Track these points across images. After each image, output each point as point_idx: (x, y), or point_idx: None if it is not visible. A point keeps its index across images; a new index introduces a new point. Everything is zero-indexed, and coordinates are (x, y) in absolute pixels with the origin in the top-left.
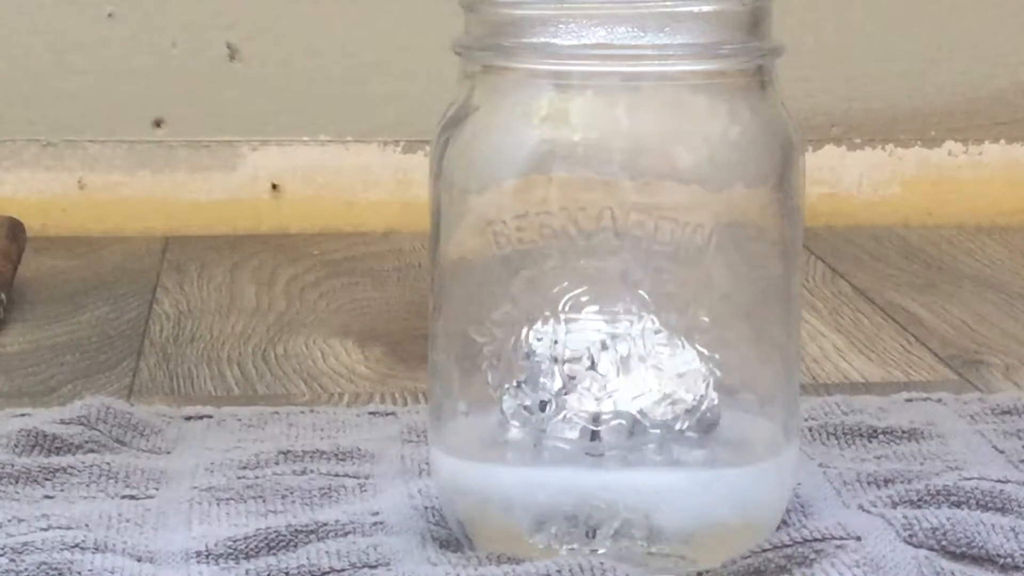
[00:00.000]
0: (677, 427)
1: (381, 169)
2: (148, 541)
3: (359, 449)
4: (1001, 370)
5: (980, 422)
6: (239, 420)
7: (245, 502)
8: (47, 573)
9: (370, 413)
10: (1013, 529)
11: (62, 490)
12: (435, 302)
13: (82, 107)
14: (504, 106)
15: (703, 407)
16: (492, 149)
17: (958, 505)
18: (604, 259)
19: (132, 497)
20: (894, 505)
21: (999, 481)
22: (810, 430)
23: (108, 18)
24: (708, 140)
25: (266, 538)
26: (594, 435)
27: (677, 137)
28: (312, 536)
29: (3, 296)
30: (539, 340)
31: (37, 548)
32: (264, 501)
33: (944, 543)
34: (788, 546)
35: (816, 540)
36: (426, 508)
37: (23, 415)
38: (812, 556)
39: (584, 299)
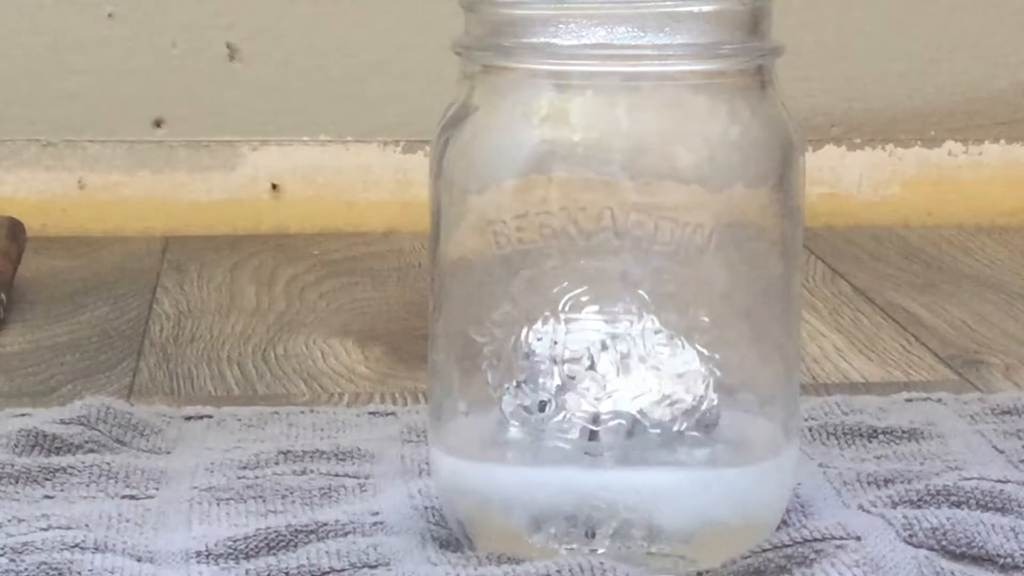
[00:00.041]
0: (677, 427)
1: (381, 169)
2: (148, 541)
3: (359, 449)
4: (1001, 370)
5: (980, 422)
6: (239, 420)
7: (245, 502)
8: (47, 573)
9: (370, 413)
10: (1013, 529)
11: (62, 490)
12: (435, 302)
13: (82, 107)
14: (504, 106)
15: (703, 407)
16: (492, 149)
17: (958, 505)
18: (604, 259)
19: (132, 497)
20: (894, 505)
21: (999, 481)
22: (810, 430)
23: (108, 18)
24: (708, 140)
25: (266, 538)
26: (593, 435)
27: (677, 137)
28: (312, 536)
29: (3, 296)
30: (539, 340)
31: (37, 548)
32: (264, 501)
33: (944, 543)
34: (788, 546)
35: (816, 540)
36: (426, 508)
37: (23, 415)
38: (812, 556)
39: (584, 299)
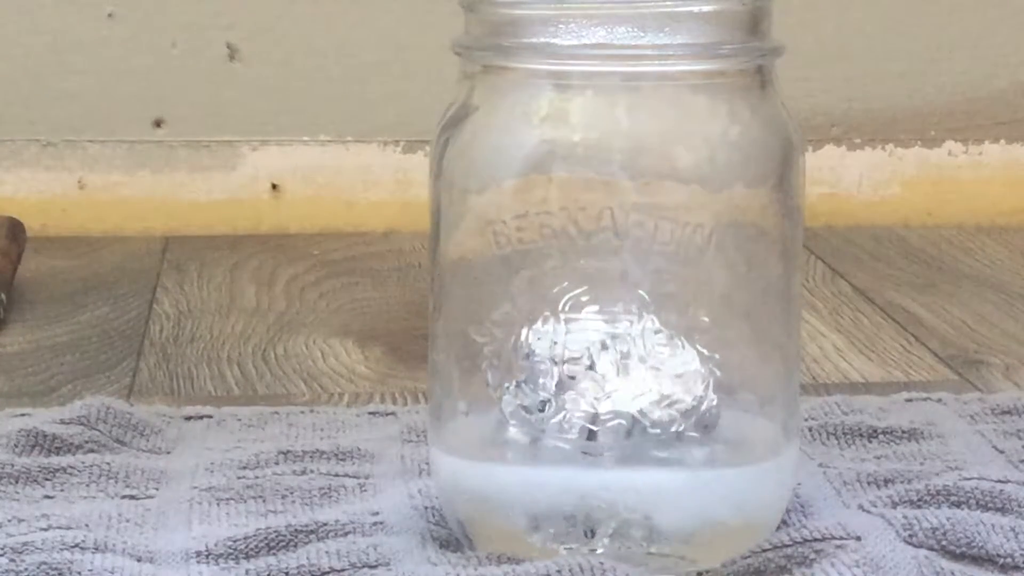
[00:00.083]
0: (677, 427)
1: (381, 169)
2: (148, 541)
3: (359, 449)
4: (1001, 370)
5: (980, 422)
6: (239, 420)
7: (245, 502)
8: (47, 573)
9: (370, 413)
10: (1013, 529)
11: (62, 490)
12: (435, 302)
13: (82, 107)
14: (504, 106)
15: (703, 407)
16: (492, 149)
17: (958, 505)
18: (604, 259)
19: (132, 497)
20: (894, 505)
21: (999, 481)
22: (810, 430)
23: (108, 18)
24: (708, 140)
25: (266, 538)
26: (592, 435)
27: (677, 137)
28: (312, 536)
29: (3, 296)
30: (539, 340)
31: (37, 548)
32: (264, 501)
33: (944, 543)
34: (788, 546)
35: (816, 540)
36: (426, 508)
37: (23, 415)
38: (812, 556)
39: (584, 299)
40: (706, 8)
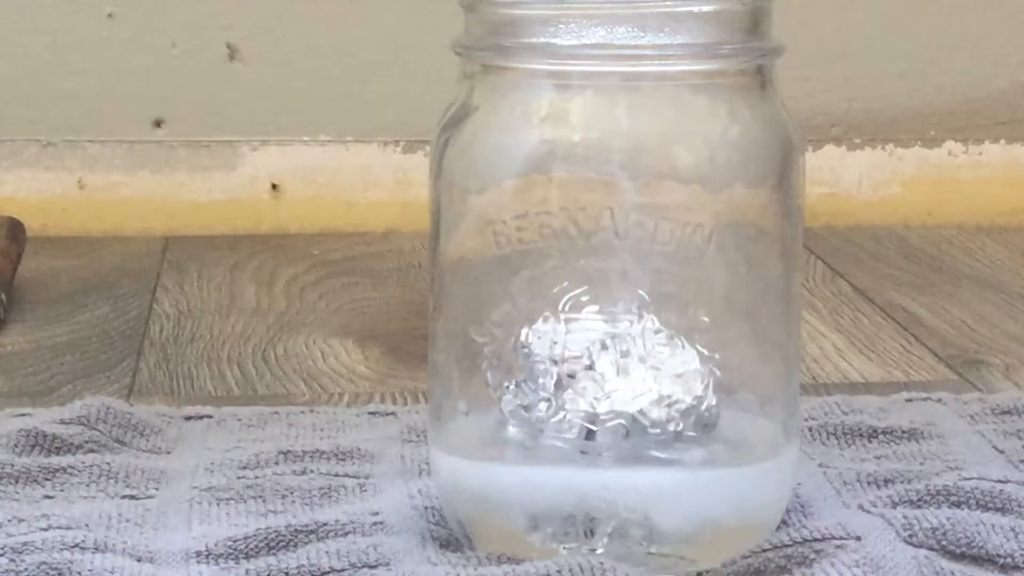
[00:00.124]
0: (676, 427)
1: (381, 169)
2: (148, 541)
3: (359, 449)
4: (1001, 370)
5: (980, 422)
6: (239, 420)
7: (245, 502)
8: (47, 573)
9: (370, 413)
10: (1013, 529)
11: (62, 490)
12: (435, 302)
13: (82, 107)
14: (504, 106)
15: (702, 407)
16: (492, 149)
17: (958, 505)
18: (604, 259)
19: (132, 497)
20: (894, 505)
21: (999, 481)
22: (810, 430)
23: (108, 18)
24: (708, 140)
25: (266, 538)
26: (591, 435)
27: (677, 137)
28: (312, 536)
29: (3, 296)
30: (539, 340)
31: (37, 548)
32: (264, 501)
33: (944, 543)
34: (788, 546)
35: (816, 540)
36: (426, 508)
37: (23, 415)
38: (812, 556)
39: (584, 299)
40: (706, 8)
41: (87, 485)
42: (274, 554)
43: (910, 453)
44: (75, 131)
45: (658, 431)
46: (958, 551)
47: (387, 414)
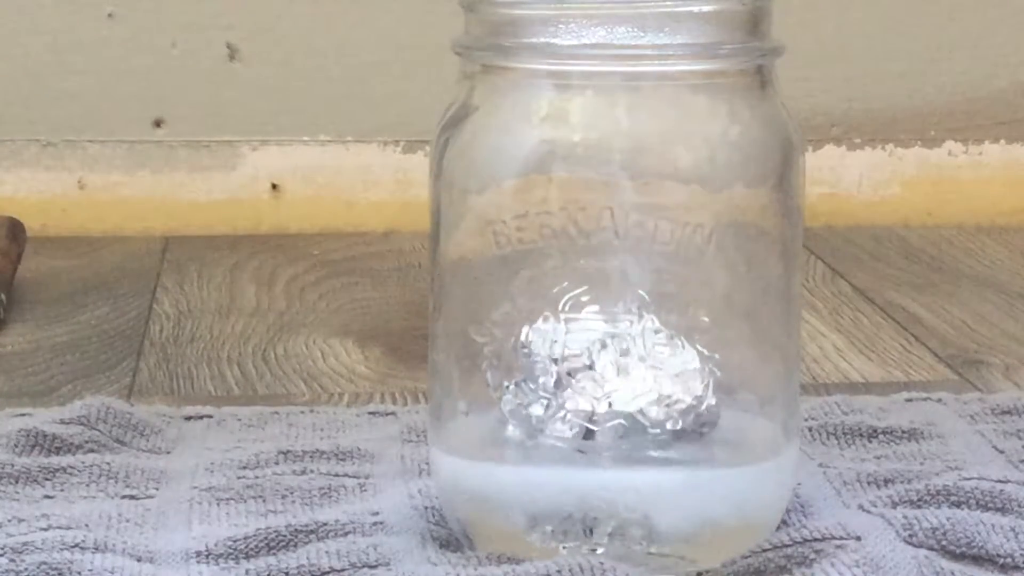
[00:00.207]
0: (676, 427)
1: (381, 169)
2: (148, 541)
3: (359, 449)
4: (1001, 370)
5: (980, 422)
6: (239, 420)
7: (245, 502)
8: (47, 573)
9: (370, 413)
10: (1013, 529)
11: (62, 490)
12: (435, 302)
13: (82, 107)
14: (504, 106)
15: (702, 407)
16: (492, 149)
17: (958, 505)
18: (604, 259)
19: (132, 497)
20: (894, 505)
21: (999, 481)
22: (810, 430)
23: (108, 18)
24: (708, 140)
25: (266, 538)
26: (592, 435)
27: (677, 137)
28: (312, 536)
29: (3, 296)
30: (539, 340)
31: (37, 548)
32: (264, 501)
33: (944, 543)
34: (788, 546)
35: (816, 540)
36: (426, 508)
37: (23, 415)
38: (812, 556)
39: (584, 299)
40: (706, 8)
41: (87, 485)
42: (274, 554)
43: (910, 453)
44: (75, 131)
45: (658, 431)
46: (958, 551)
47: (387, 414)
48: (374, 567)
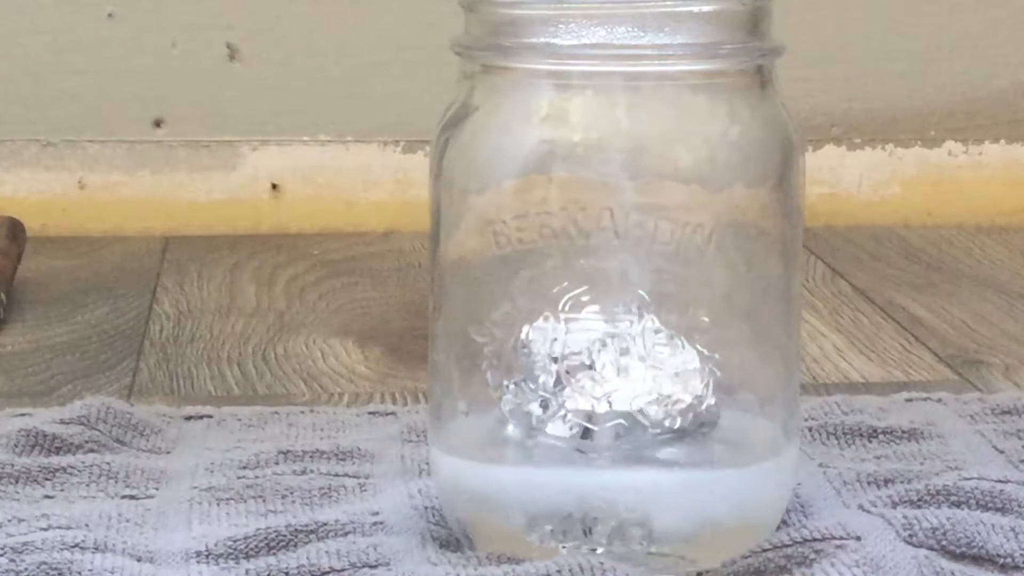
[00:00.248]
0: (676, 427)
1: (381, 169)
2: (148, 541)
3: (359, 449)
4: (1001, 370)
5: (980, 422)
6: (239, 420)
7: (245, 502)
8: (47, 573)
9: (370, 413)
10: (1013, 529)
11: (62, 490)
12: (435, 302)
13: (82, 107)
14: (504, 106)
15: (702, 407)
16: (492, 149)
17: (958, 505)
18: (604, 259)
19: (132, 497)
20: (894, 505)
21: (999, 481)
22: (810, 430)
23: (108, 18)
24: (708, 140)
25: (266, 538)
26: (592, 435)
27: (677, 137)
28: (312, 536)
29: (3, 296)
30: (538, 339)
31: (37, 548)
32: (264, 501)
33: (944, 543)
34: (788, 546)
35: (816, 540)
36: (426, 508)
37: (23, 415)
38: (812, 556)
39: (584, 299)
40: (706, 8)
41: (87, 485)
42: (274, 554)
43: (910, 453)
44: (75, 131)
45: (658, 431)
46: (958, 551)
47: (387, 414)
48: (374, 567)
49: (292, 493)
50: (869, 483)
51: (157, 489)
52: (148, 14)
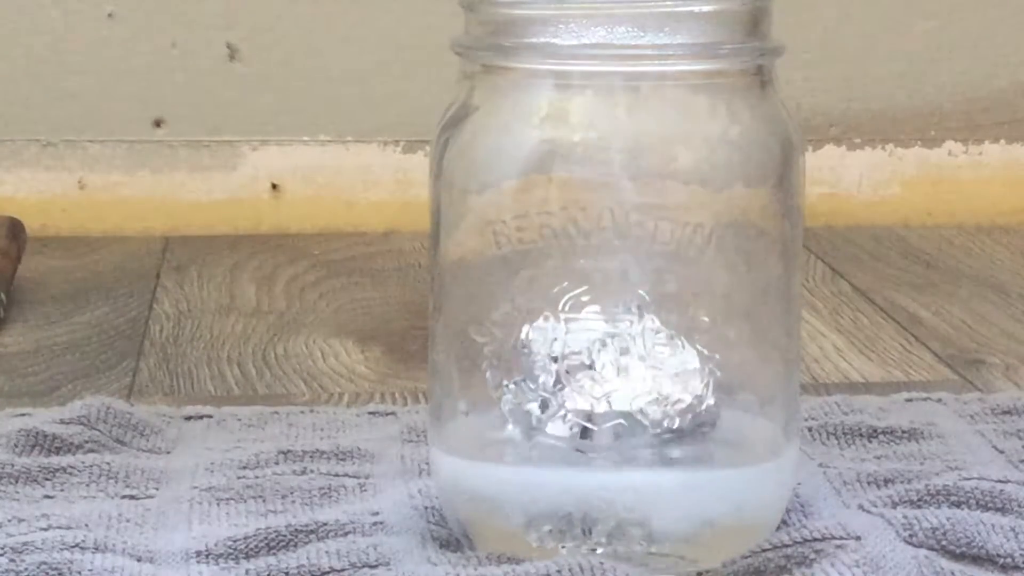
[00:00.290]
0: (676, 427)
1: (381, 169)
2: (148, 541)
3: (359, 449)
4: (1001, 370)
5: (980, 422)
6: (239, 420)
7: (245, 502)
8: (47, 573)
9: (370, 413)
10: (1013, 529)
11: (62, 490)
12: (435, 302)
13: (82, 107)
14: (504, 106)
15: (702, 407)
16: (492, 149)
17: (958, 505)
18: (604, 259)
19: (132, 497)
20: (894, 505)
21: (999, 481)
22: (810, 430)
23: (108, 18)
24: (708, 140)
25: (266, 538)
26: (592, 435)
27: (677, 137)
28: (312, 536)
29: (3, 296)
30: (538, 339)
31: (37, 548)
32: (264, 501)
33: (944, 543)
34: (788, 546)
35: (816, 540)
36: (426, 508)
37: (23, 415)
38: (812, 556)
39: (584, 299)
40: (706, 8)
41: (87, 485)
42: (274, 554)
43: (910, 453)
44: (75, 131)
45: (657, 431)
46: (958, 551)
47: (387, 414)
48: (374, 567)
49: (292, 493)
50: (869, 483)
51: (157, 489)
52: (148, 14)
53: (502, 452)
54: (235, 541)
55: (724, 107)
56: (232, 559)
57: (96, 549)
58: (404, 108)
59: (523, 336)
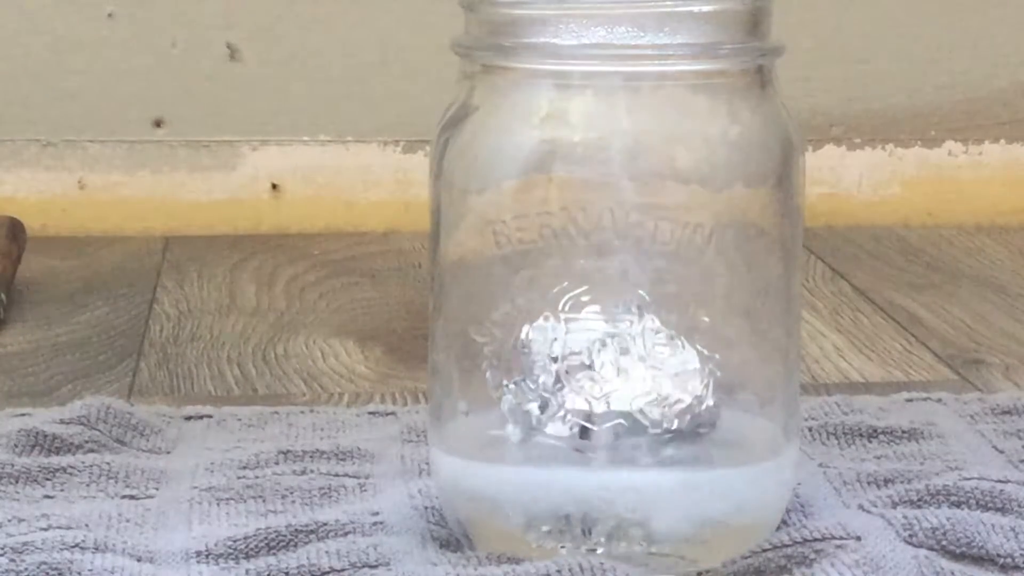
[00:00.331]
0: (676, 427)
1: (381, 169)
2: (148, 541)
3: (359, 449)
4: (1001, 370)
5: (980, 422)
6: (239, 420)
7: (245, 502)
8: (47, 573)
9: (370, 413)
10: (1013, 529)
11: (62, 490)
12: (435, 302)
13: (82, 107)
14: (504, 106)
15: (702, 407)
16: (492, 149)
17: (958, 505)
18: (604, 259)
19: (132, 497)
20: (894, 505)
21: (999, 481)
22: (810, 430)
23: (108, 18)
24: (708, 140)
25: (266, 538)
26: (592, 435)
27: (677, 137)
28: (312, 536)
29: (3, 296)
30: (538, 339)
31: (37, 548)
32: (264, 501)
33: (944, 543)
34: (788, 546)
35: (816, 540)
36: (426, 508)
37: (23, 415)
38: (812, 556)
39: (584, 299)
40: (706, 8)
41: (87, 485)
42: (274, 554)
43: (910, 453)
44: (75, 131)
45: (657, 431)
46: (958, 551)
47: (387, 414)
48: (374, 567)
49: (292, 493)
50: (869, 483)
51: (157, 489)
52: (148, 14)
53: (502, 452)
54: (235, 541)
55: (724, 107)
56: (232, 559)
57: (96, 549)
58: (404, 108)
59: (523, 336)
